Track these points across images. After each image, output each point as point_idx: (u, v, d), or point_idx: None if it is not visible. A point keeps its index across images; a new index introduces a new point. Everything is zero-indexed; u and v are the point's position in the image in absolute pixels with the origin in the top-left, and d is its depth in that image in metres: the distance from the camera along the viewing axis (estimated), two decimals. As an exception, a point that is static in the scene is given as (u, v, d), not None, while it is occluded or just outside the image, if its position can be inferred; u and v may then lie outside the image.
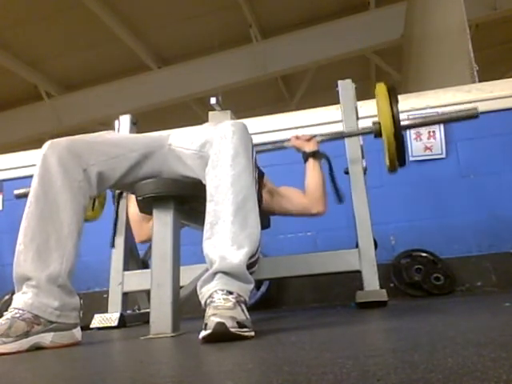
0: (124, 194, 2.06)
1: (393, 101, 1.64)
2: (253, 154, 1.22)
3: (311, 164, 1.88)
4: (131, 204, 2.00)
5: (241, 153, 1.15)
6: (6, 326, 1.06)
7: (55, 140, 1.26)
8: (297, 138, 1.95)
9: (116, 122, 2.25)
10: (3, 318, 1.09)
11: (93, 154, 1.27)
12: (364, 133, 1.86)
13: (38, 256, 1.15)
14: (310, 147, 1.90)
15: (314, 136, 1.94)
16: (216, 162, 1.16)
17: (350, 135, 1.91)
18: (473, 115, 1.72)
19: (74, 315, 1.20)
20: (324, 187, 1.89)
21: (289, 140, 1.98)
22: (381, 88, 1.69)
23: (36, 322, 1.10)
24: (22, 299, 1.12)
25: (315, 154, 1.89)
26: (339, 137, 1.94)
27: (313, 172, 1.88)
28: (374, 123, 1.79)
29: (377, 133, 1.76)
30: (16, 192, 2.20)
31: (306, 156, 1.90)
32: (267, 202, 1.88)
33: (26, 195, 2.12)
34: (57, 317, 1.14)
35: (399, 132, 1.63)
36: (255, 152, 1.25)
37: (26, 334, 1.08)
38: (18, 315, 1.09)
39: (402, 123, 1.65)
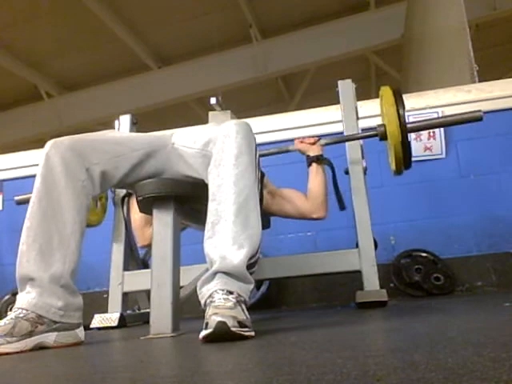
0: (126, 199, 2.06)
1: (399, 104, 1.62)
2: (256, 153, 1.21)
3: (314, 168, 1.88)
4: (133, 210, 2.00)
5: (244, 152, 1.15)
6: (10, 326, 1.06)
7: (58, 139, 1.25)
8: (301, 141, 1.95)
9: (116, 122, 2.25)
10: (7, 317, 1.09)
11: (95, 153, 1.27)
12: (368, 136, 1.85)
13: (41, 256, 1.15)
14: (314, 151, 1.90)
15: (318, 139, 1.93)
16: (219, 161, 1.16)
17: (353, 138, 1.90)
18: (477, 118, 1.71)
19: (77, 315, 1.20)
20: (326, 192, 1.88)
21: (292, 143, 1.98)
22: (386, 91, 1.68)
23: (40, 321, 1.11)
24: (26, 299, 1.12)
25: (319, 159, 1.88)
26: (343, 140, 1.93)
27: (316, 177, 1.87)
28: (378, 126, 1.77)
29: (382, 136, 1.74)
30: (17, 198, 2.20)
31: (310, 160, 1.89)
32: (268, 203, 1.87)
33: (26, 201, 2.13)
34: (60, 317, 1.14)
35: (406, 135, 1.61)
36: (258, 152, 1.25)
37: (30, 334, 1.08)
38: (21, 315, 1.09)
39: (408, 126, 1.64)
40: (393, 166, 1.76)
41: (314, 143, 1.91)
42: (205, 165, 1.23)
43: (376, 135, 1.78)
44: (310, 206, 1.86)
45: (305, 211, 1.88)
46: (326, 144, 1.92)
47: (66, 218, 1.19)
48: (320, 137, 1.96)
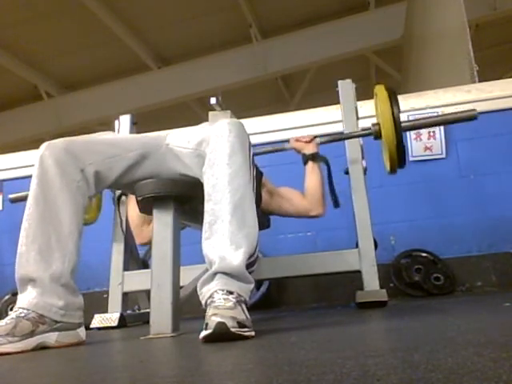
0: (123, 197, 2.06)
1: (393, 102, 1.63)
2: (250, 152, 1.21)
3: (310, 166, 1.89)
4: (130, 207, 2.00)
5: (237, 151, 1.15)
6: (12, 326, 1.06)
7: (52, 141, 1.26)
8: (296, 140, 1.95)
9: (116, 122, 2.25)
10: (8, 317, 1.10)
11: (89, 154, 1.28)
12: (363, 135, 1.86)
13: (40, 256, 1.15)
14: (309, 149, 1.90)
15: (314, 137, 1.93)
16: (213, 161, 1.16)
17: (349, 137, 1.91)
18: (471, 117, 1.71)
19: (78, 315, 1.20)
20: (323, 189, 1.89)
21: (288, 142, 1.98)
22: (380, 89, 1.69)
23: (41, 321, 1.11)
24: (27, 299, 1.12)
25: (315, 157, 1.89)
26: (339, 139, 1.94)
27: (312, 174, 1.88)
28: (373, 125, 1.78)
29: (376, 134, 1.75)
30: (11, 196, 2.20)
31: (306, 158, 1.89)
32: (266, 202, 1.88)
33: (21, 199, 2.12)
34: (61, 316, 1.15)
35: (400, 134, 1.62)
36: (252, 151, 1.25)
37: (31, 334, 1.09)
38: (22, 315, 1.10)
39: (402, 125, 1.64)
40: (387, 165, 1.77)
41: (309, 141, 1.92)
42: (200, 164, 1.23)
43: (371, 134, 1.79)
44: (308, 203, 1.87)
45: (303, 209, 1.88)
46: (322, 142, 1.93)
47: (63, 219, 1.19)
48: (316, 136, 1.96)
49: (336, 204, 1.90)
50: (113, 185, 1.39)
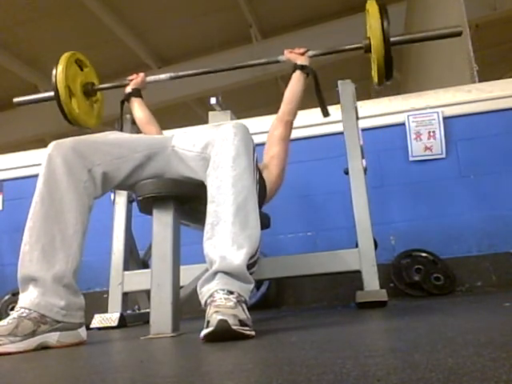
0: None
1: (383, 17, 1.68)
2: (254, 155, 1.22)
3: (297, 75, 1.87)
4: (135, 110, 2.00)
5: (242, 154, 1.16)
6: (13, 325, 1.06)
7: (60, 140, 1.26)
8: (290, 51, 1.96)
9: (116, 122, 2.25)
10: (10, 317, 1.10)
11: (97, 154, 1.28)
12: (355, 48, 1.90)
13: (43, 256, 1.15)
14: (302, 60, 1.91)
15: (307, 50, 1.95)
16: (217, 164, 1.17)
17: (339, 51, 1.98)
18: (457, 33, 1.79)
19: (79, 315, 1.20)
20: (300, 101, 1.87)
21: (283, 54, 2.00)
22: (372, 5, 1.73)
23: (42, 321, 1.11)
24: (29, 298, 1.12)
25: (304, 67, 1.89)
26: (331, 52, 2.00)
27: (297, 83, 1.86)
28: (364, 39, 1.83)
29: (367, 49, 1.81)
30: (16, 100, 2.18)
31: (295, 68, 1.89)
32: (270, 181, 1.68)
33: (24, 103, 2.12)
34: (63, 316, 1.15)
35: (388, 46, 1.67)
36: (256, 153, 1.25)
37: (33, 334, 1.09)
38: (24, 314, 1.10)
39: (391, 39, 1.69)
40: (375, 78, 1.81)
41: (302, 54, 1.93)
42: (204, 167, 1.24)
43: (361, 48, 1.84)
44: (282, 112, 1.82)
45: (278, 122, 1.81)
46: (315, 55, 1.94)
47: (69, 219, 1.19)
48: (308, 50, 1.97)
49: (325, 114, 1.91)
50: (119, 185, 1.40)
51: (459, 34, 1.80)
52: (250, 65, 2.03)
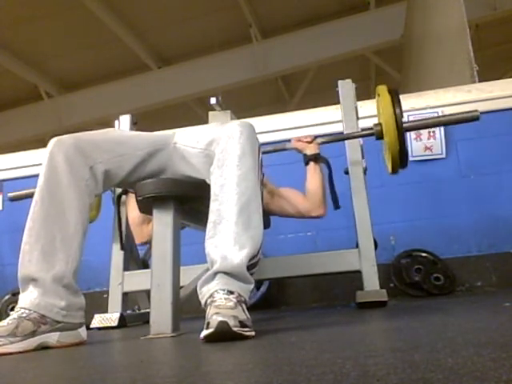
0: (123, 197, 2.05)
1: (395, 104, 1.63)
2: (259, 154, 1.21)
3: (312, 167, 1.89)
4: (131, 207, 2.00)
5: (247, 153, 1.15)
6: (14, 326, 1.06)
7: (61, 137, 1.25)
8: (298, 140, 1.96)
9: (116, 122, 2.25)
10: (10, 317, 1.10)
11: (99, 152, 1.27)
12: (365, 135, 1.85)
13: (43, 256, 1.15)
14: (311, 150, 1.91)
15: (315, 138, 1.94)
16: (222, 162, 1.15)
17: (350, 137, 1.91)
18: (474, 118, 1.71)
19: (79, 315, 1.20)
20: (324, 190, 1.90)
21: (290, 142, 1.99)
22: (382, 90, 1.69)
23: (42, 321, 1.11)
24: (29, 299, 1.12)
25: (316, 157, 1.89)
26: (340, 139, 1.94)
27: (314, 175, 1.89)
28: (375, 125, 1.77)
29: (378, 135, 1.75)
30: (10, 195, 2.19)
31: (307, 159, 1.90)
32: (267, 203, 1.88)
33: (20, 198, 2.11)
34: (63, 316, 1.15)
35: (402, 136, 1.62)
36: (261, 153, 1.25)
37: (33, 334, 1.09)
38: (24, 315, 1.09)
39: (404, 126, 1.64)
40: (389, 166, 1.77)
41: (310, 142, 1.92)
42: (207, 164, 1.22)
43: (372, 134, 1.78)
44: (309, 204, 1.87)
45: (303, 210, 1.89)
46: (323, 142, 1.93)
47: (69, 218, 1.19)
48: (317, 136, 1.97)
49: (336, 205, 1.91)
50: (120, 183, 1.39)
51: (477, 119, 1.71)
52: (263, 152, 2.00)
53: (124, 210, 2.06)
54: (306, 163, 1.91)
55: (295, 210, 1.90)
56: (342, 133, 2.02)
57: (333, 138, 1.94)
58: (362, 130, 1.90)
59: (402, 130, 1.62)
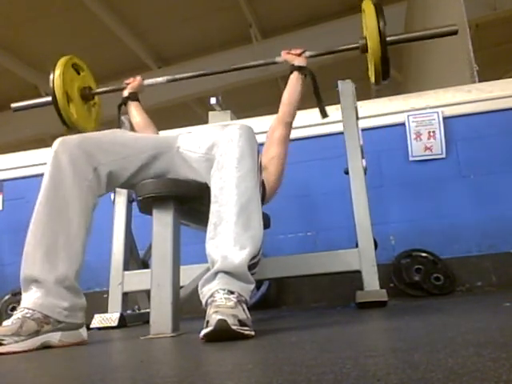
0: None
1: (379, 17, 1.68)
2: (258, 157, 1.22)
3: (295, 76, 1.88)
4: (133, 115, 1.99)
5: (246, 156, 1.16)
6: (18, 326, 1.07)
7: (66, 137, 1.26)
8: (287, 52, 1.95)
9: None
10: (14, 317, 1.11)
11: (103, 153, 1.28)
12: (351, 48, 1.88)
13: (47, 257, 1.15)
14: (299, 62, 1.90)
15: (304, 51, 1.94)
16: (221, 164, 1.17)
17: (336, 51, 1.97)
18: (452, 32, 1.78)
19: (80, 315, 1.21)
20: (299, 101, 1.87)
21: (280, 56, 1.99)
22: (368, 5, 1.73)
23: (45, 321, 1.12)
24: (32, 299, 1.13)
25: (302, 68, 1.89)
26: (328, 52, 2.00)
27: (295, 84, 1.86)
28: (360, 39, 1.82)
29: (363, 49, 1.80)
30: (13, 105, 2.17)
31: (292, 69, 1.89)
32: (268, 181, 1.69)
33: (26, 108, 2.12)
34: (65, 317, 1.16)
35: (385, 47, 1.67)
36: (260, 154, 1.25)
37: (37, 333, 1.10)
38: (28, 315, 1.11)
39: (387, 39, 1.69)
40: (372, 78, 1.81)
41: (299, 54, 1.93)
42: (208, 168, 1.24)
43: (357, 48, 1.83)
44: (282, 114, 1.83)
45: (278, 123, 1.83)
46: (311, 56, 1.94)
47: (72, 218, 1.19)
48: (305, 50, 1.96)
49: (324, 115, 1.90)
50: (123, 185, 1.40)
51: (455, 33, 1.79)
52: (248, 66, 2.03)
53: (121, 209, 2.07)
54: (290, 72, 1.90)
55: (275, 140, 1.81)
56: (341, 133, 2.02)
57: (321, 52, 1.99)
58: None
59: (385, 43, 1.66)
